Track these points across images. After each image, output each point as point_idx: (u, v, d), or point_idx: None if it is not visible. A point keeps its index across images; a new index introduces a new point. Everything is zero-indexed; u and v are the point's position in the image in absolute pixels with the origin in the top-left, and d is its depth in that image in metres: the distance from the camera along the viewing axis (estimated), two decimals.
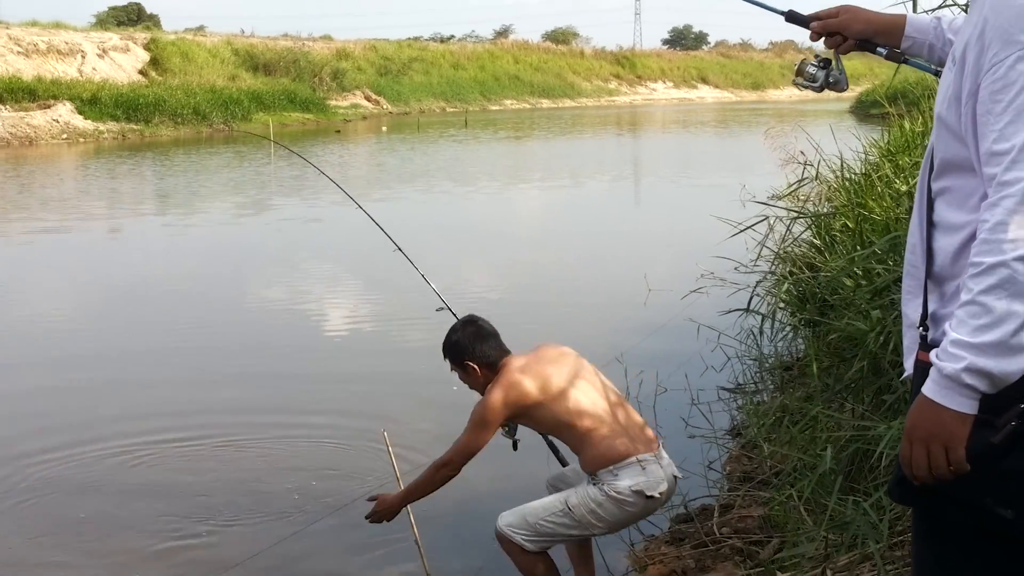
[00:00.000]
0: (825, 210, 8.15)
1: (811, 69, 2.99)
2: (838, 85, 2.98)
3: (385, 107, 54.85)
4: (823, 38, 2.91)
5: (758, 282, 7.55)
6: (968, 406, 2.00)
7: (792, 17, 3.10)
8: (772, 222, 7.99)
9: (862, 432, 4.35)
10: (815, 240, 7.73)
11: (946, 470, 2.04)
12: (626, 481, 4.14)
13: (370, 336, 10.04)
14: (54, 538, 5.63)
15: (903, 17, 2.83)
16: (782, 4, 3.21)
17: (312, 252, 14.80)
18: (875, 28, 2.83)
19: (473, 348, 4.36)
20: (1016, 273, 1.95)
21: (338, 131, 41.81)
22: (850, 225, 7.04)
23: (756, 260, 7.97)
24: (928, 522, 2.24)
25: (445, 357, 4.48)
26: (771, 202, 8.30)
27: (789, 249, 7.96)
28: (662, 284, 10.07)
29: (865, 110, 34.45)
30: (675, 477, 4.29)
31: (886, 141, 9.85)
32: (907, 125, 9.54)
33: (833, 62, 2.97)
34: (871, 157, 9.43)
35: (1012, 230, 1.96)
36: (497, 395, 4.20)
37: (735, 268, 8.12)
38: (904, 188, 6.66)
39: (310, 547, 5.38)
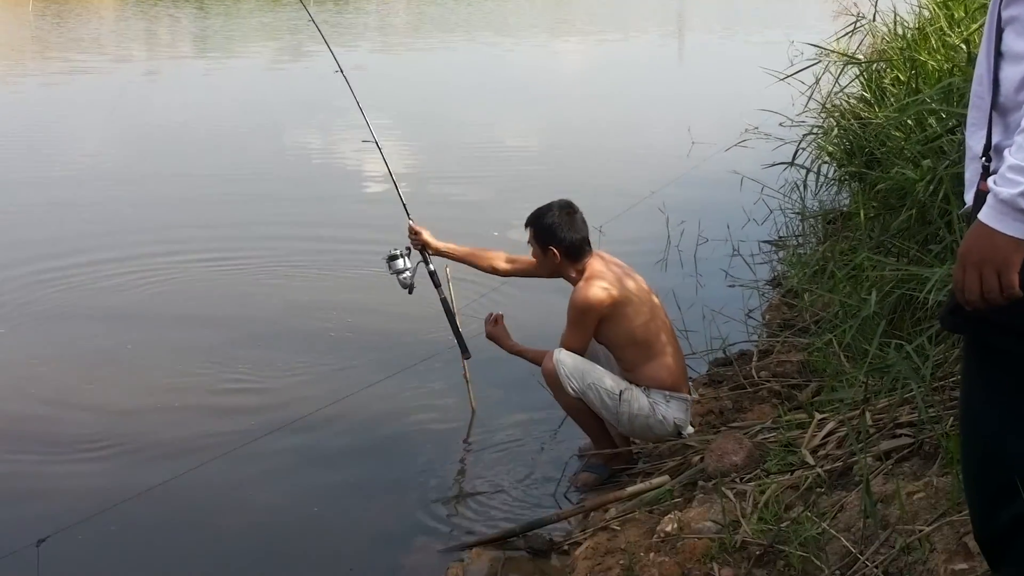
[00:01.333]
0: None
1: None
2: None
3: None
4: None
5: (804, 135, 7.44)
6: (1023, 231, 2.00)
7: None
8: (820, 74, 7.83)
9: (910, 275, 4.33)
10: (864, 93, 7.59)
11: (998, 294, 2.04)
12: (673, 412, 4.30)
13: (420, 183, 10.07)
14: (97, 366, 5.73)
15: None
16: None
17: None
18: None
19: (563, 236, 4.36)
20: None
21: None
22: (902, 77, 6.90)
23: (803, 112, 7.84)
24: (979, 351, 2.25)
25: (527, 227, 4.48)
26: (820, 54, 8.11)
27: (837, 101, 7.82)
28: (706, 137, 9.95)
29: None
30: None
31: None
32: None
33: None
34: (925, 12, 9.19)
35: None
36: (594, 292, 4.23)
37: (780, 124, 8.01)
38: (958, 41, 6.50)
39: (352, 379, 5.46)
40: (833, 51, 7.98)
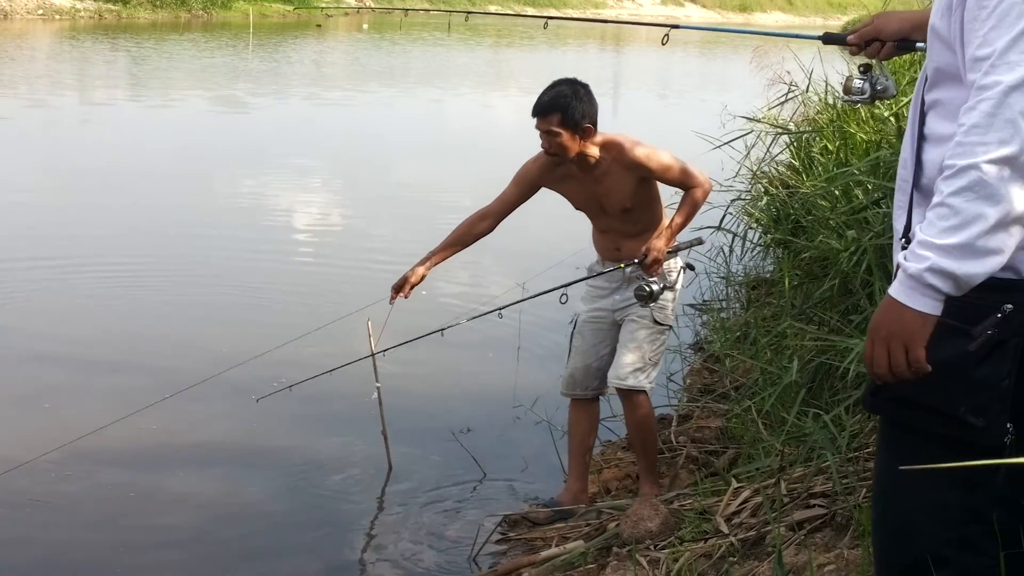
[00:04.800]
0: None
1: (857, 83, 2.87)
2: (886, 92, 2.87)
3: (368, 4, 53.95)
4: (863, 50, 2.82)
5: (732, 200, 7.51)
6: (931, 307, 2.00)
7: (828, 39, 3.08)
8: (750, 142, 7.91)
9: (830, 345, 4.35)
10: (793, 161, 7.69)
11: (905, 369, 2.04)
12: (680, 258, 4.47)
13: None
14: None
15: None
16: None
17: (290, 148, 14.67)
18: (912, 25, 2.74)
19: (595, 106, 4.26)
20: (986, 176, 1.93)
21: (319, 25, 41.24)
22: (830, 147, 7.00)
23: (732, 178, 7.91)
24: (896, 429, 2.24)
25: (545, 114, 4.15)
26: (752, 122, 8.20)
27: (766, 169, 7.91)
28: None
29: None
30: None
31: None
32: None
33: (875, 68, 2.87)
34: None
35: (985, 133, 1.94)
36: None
37: None
38: (887, 113, 6.62)
39: (270, 423, 5.35)
40: (763, 120, 8.08)
